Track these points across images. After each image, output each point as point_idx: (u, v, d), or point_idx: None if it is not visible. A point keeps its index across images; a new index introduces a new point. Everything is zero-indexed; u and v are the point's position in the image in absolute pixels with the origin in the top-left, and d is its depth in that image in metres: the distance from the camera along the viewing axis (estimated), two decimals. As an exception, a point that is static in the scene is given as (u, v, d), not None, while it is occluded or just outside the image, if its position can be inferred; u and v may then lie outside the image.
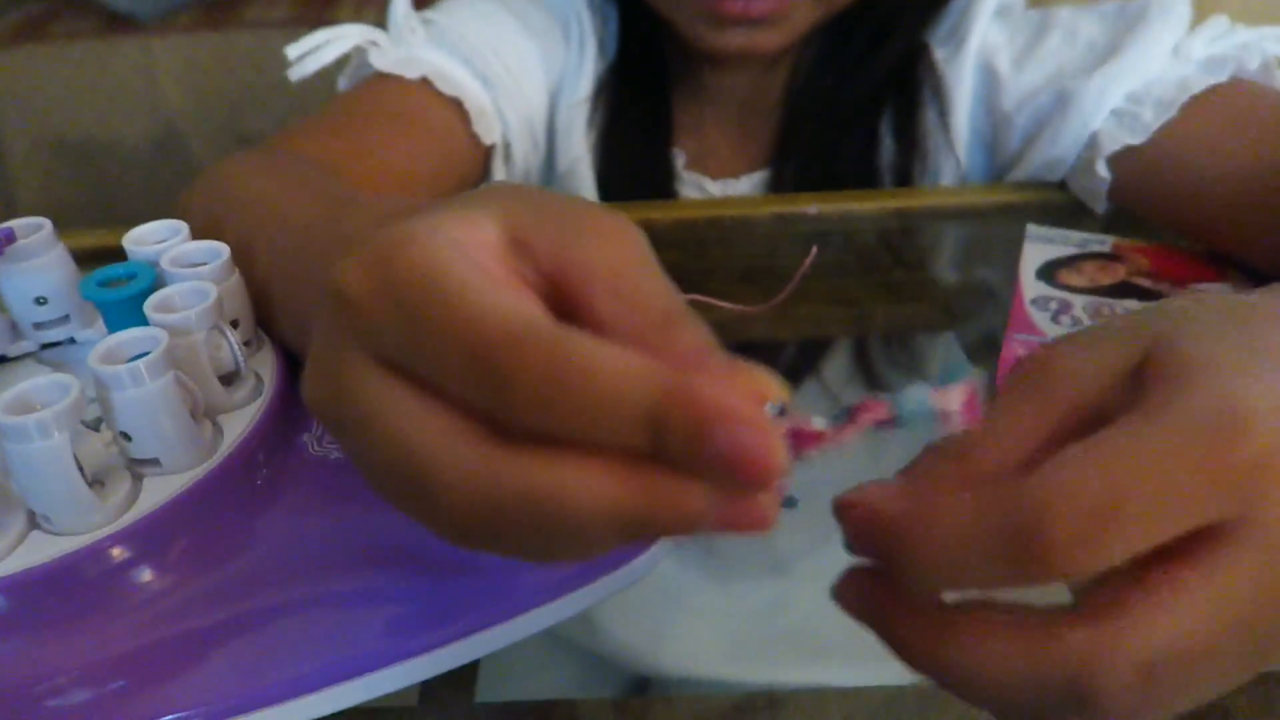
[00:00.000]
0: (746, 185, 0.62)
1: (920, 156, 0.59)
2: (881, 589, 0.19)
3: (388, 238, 0.17)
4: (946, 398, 0.17)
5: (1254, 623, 0.18)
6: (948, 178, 0.59)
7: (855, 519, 0.18)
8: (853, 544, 0.19)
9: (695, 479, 0.16)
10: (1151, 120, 0.49)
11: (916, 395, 0.17)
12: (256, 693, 0.28)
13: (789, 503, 0.26)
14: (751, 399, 0.16)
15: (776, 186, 0.62)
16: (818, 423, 0.17)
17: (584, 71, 0.60)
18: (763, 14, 0.52)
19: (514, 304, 0.17)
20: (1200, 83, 0.48)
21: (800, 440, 0.17)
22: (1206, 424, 0.17)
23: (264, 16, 1.15)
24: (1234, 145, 0.46)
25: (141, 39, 1.16)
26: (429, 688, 0.37)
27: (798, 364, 0.50)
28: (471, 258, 0.17)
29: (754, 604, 0.68)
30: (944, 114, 0.57)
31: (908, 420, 0.17)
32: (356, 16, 0.71)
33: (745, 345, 0.46)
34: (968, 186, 0.59)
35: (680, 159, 0.63)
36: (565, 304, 0.18)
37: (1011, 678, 0.17)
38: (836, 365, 0.51)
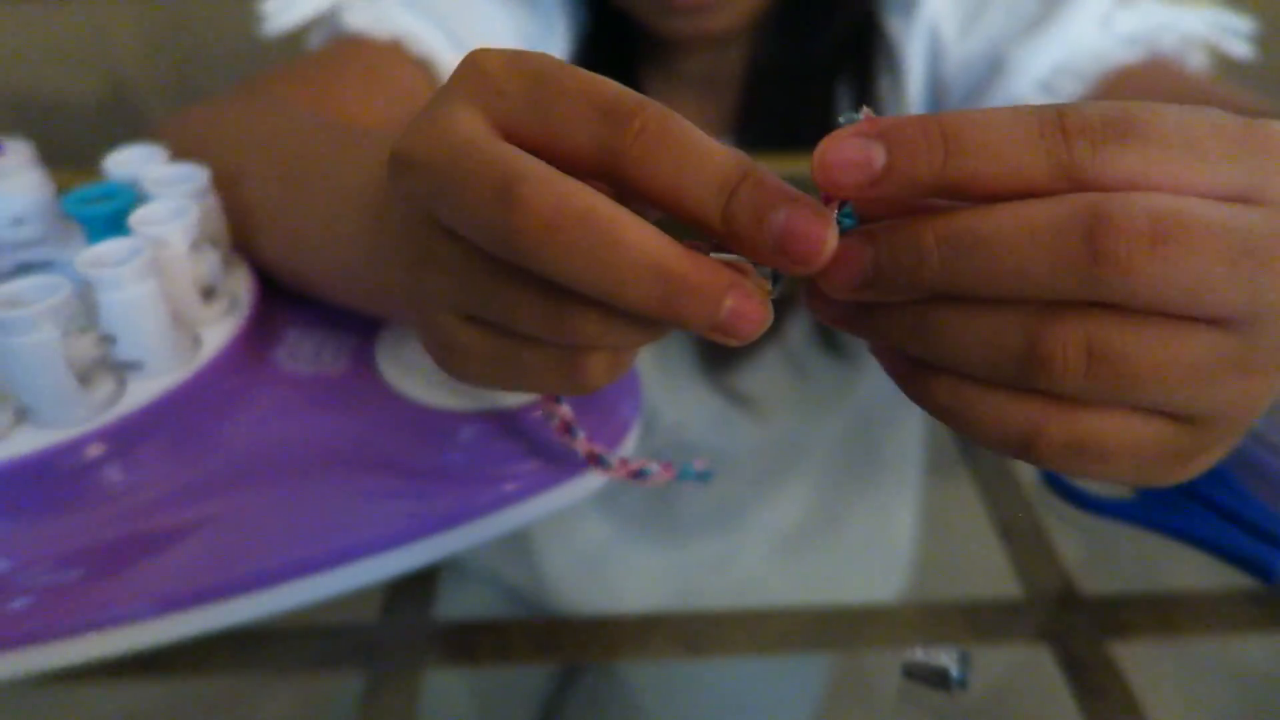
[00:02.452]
0: None
1: None
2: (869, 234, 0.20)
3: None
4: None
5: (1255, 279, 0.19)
6: None
7: (892, 120, 0.19)
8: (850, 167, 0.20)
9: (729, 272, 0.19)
10: (1069, 92, 0.52)
11: None
12: (224, 584, 0.30)
13: (703, 476, 0.30)
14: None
15: None
16: None
17: (551, 43, 0.62)
18: (707, 1, 0.55)
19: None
20: (1115, 57, 0.51)
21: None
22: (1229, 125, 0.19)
23: (220, -22, 1.14)
24: None
25: (92, -4, 1.14)
26: (389, 606, 0.38)
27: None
28: None
29: (700, 558, 0.71)
30: (897, 82, 0.60)
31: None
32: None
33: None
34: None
35: None
36: None
37: (1027, 229, 0.18)
38: (799, 327, 0.53)
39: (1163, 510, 0.33)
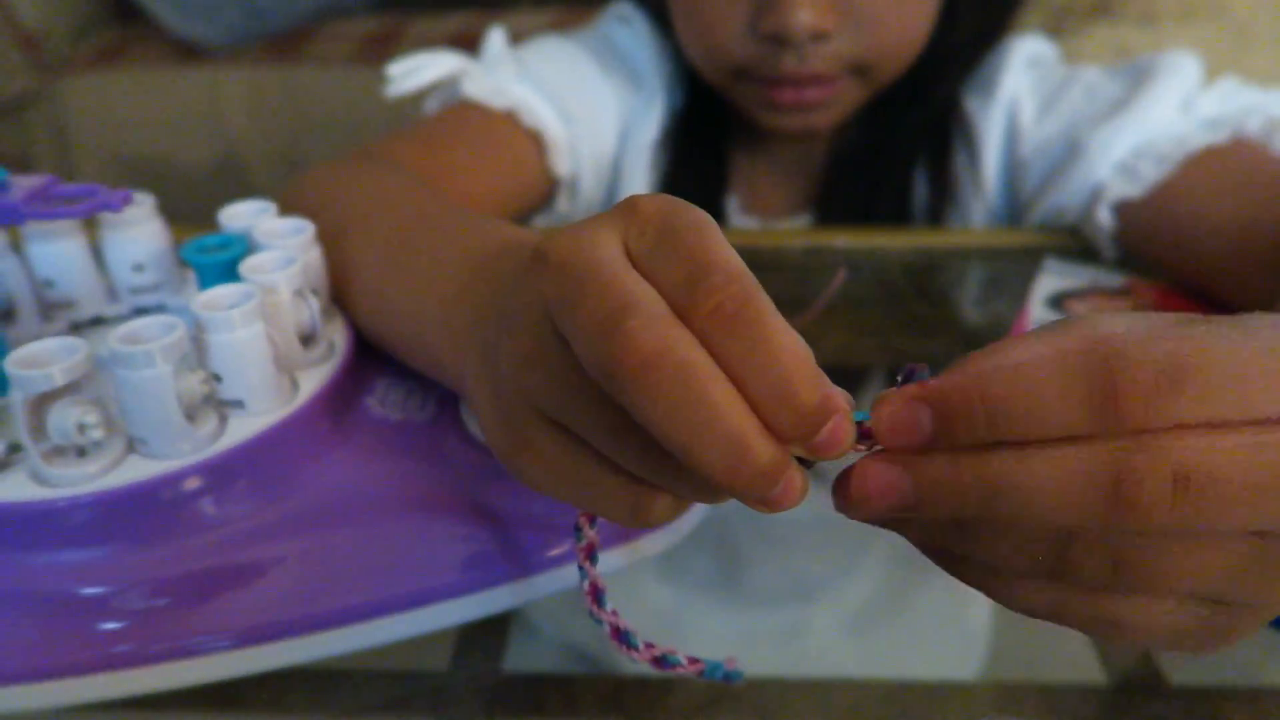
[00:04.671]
0: (792, 227, 0.66)
1: (951, 200, 0.62)
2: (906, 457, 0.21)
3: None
4: None
5: None
6: (976, 219, 0.62)
7: (938, 386, 0.20)
8: (898, 429, 0.21)
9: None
10: (1149, 174, 0.52)
11: None
12: (304, 619, 0.31)
13: (731, 676, 0.29)
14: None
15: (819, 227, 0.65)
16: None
17: (650, 119, 0.65)
18: (814, 100, 0.57)
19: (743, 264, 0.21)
20: (1198, 140, 0.51)
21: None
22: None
23: (327, 52, 1.21)
24: (1225, 203, 0.49)
25: (210, 69, 1.21)
26: (459, 656, 0.39)
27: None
28: None
29: (770, 628, 0.70)
30: (974, 161, 0.61)
31: None
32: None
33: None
34: (993, 229, 0.62)
35: (733, 202, 0.67)
36: None
37: (1058, 477, 0.20)
38: (865, 395, 0.53)
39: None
